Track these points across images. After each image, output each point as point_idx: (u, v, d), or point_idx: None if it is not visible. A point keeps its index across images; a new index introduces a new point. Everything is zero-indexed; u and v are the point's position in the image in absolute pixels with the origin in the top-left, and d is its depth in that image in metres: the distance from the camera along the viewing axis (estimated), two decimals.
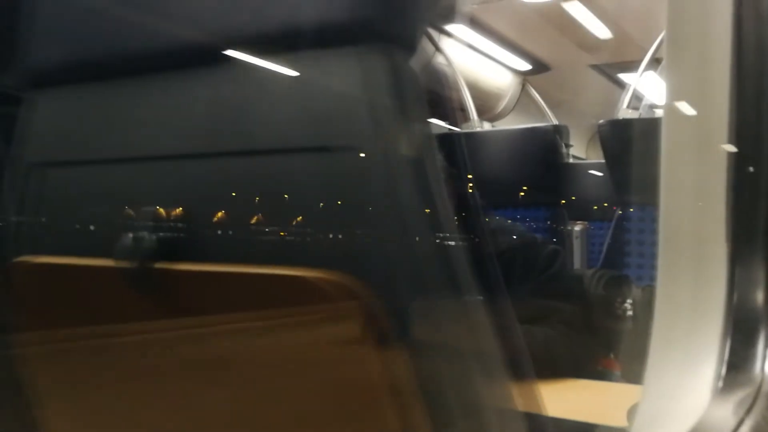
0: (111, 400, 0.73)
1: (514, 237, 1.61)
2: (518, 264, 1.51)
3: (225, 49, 0.62)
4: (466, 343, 0.58)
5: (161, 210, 0.64)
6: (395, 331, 0.56)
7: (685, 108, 0.73)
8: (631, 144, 2.20)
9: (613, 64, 4.60)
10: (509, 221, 1.82)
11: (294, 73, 0.60)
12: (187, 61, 0.64)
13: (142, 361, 0.69)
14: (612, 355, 1.67)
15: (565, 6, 3.60)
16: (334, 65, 0.58)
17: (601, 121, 2.64)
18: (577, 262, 3.22)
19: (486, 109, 4.48)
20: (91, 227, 0.71)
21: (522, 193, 2.73)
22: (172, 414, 0.69)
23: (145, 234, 0.63)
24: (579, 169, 3.41)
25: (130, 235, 0.63)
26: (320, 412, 0.60)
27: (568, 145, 2.99)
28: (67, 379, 0.75)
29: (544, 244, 1.65)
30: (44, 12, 0.74)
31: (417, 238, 0.57)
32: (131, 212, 0.66)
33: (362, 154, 0.57)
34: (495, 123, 4.65)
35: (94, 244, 0.70)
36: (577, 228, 3.25)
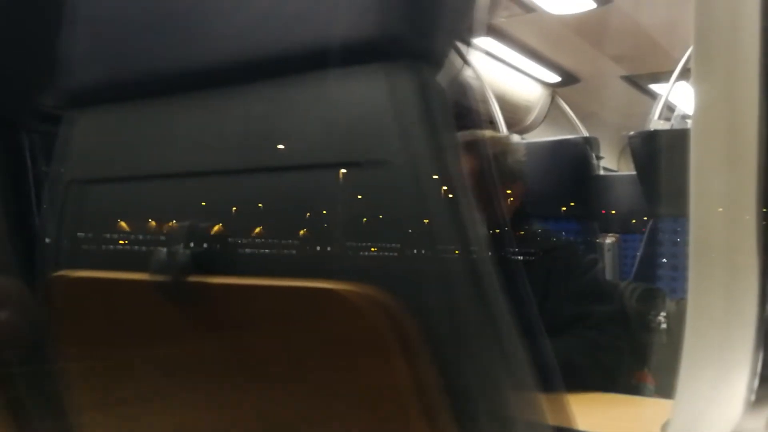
0: (149, 411, 0.74)
1: (554, 244, 1.63)
2: (558, 267, 1.53)
3: (257, 68, 0.64)
4: (495, 354, 0.58)
5: (197, 224, 0.66)
6: (424, 342, 0.56)
7: (714, 118, 0.73)
8: (662, 155, 2.17)
9: (644, 75, 4.56)
10: (549, 228, 1.84)
11: (324, 90, 0.61)
12: (220, 80, 0.66)
13: (178, 373, 0.70)
14: (646, 369, 1.65)
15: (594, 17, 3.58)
16: (363, 81, 0.59)
17: (632, 133, 2.61)
18: (609, 275, 3.18)
19: (515, 122, 4.46)
20: (129, 242, 0.73)
21: (552, 206, 2.70)
22: (209, 424, 0.70)
23: (180, 248, 0.64)
24: (610, 181, 3.37)
25: (166, 249, 0.65)
26: (349, 421, 0.61)
27: (599, 157, 2.96)
28: (106, 391, 0.77)
29: (585, 251, 1.68)
30: (84, 33, 0.77)
31: (445, 251, 0.57)
32: (168, 227, 0.67)
33: (391, 169, 0.58)
34: (525, 136, 4.63)
35: (132, 258, 0.72)
36: (609, 240, 3.21)
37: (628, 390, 1.53)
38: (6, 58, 1.04)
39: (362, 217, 0.61)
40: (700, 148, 0.74)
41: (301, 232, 0.63)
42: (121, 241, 0.74)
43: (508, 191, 1.65)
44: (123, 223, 0.74)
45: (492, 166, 1.60)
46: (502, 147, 1.72)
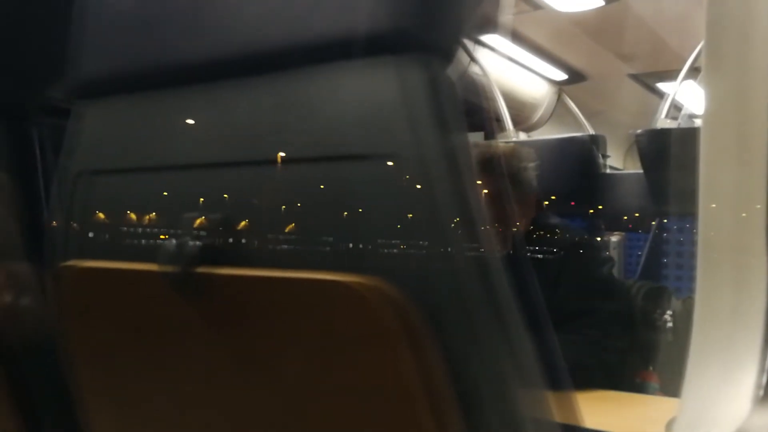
0: (157, 402, 0.74)
1: (570, 238, 1.63)
2: (572, 262, 1.54)
3: (267, 60, 0.64)
4: (503, 350, 0.58)
5: (205, 216, 0.66)
6: (432, 336, 0.56)
7: (724, 117, 0.73)
8: (669, 154, 2.17)
9: (651, 74, 4.54)
10: (565, 222, 1.84)
11: (333, 83, 0.61)
12: (228, 72, 0.66)
13: (185, 363, 0.70)
14: (651, 368, 1.64)
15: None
16: (372, 74, 0.59)
17: (638, 131, 2.61)
18: (615, 274, 3.17)
19: (522, 120, 4.45)
20: (137, 232, 0.73)
21: (558, 204, 2.70)
22: (216, 415, 0.70)
23: (188, 239, 0.64)
24: (616, 180, 3.37)
25: (175, 240, 0.65)
26: (355, 413, 0.61)
27: (605, 156, 2.95)
28: (113, 381, 0.77)
29: (599, 249, 1.69)
30: (92, 25, 0.77)
31: (453, 245, 0.57)
32: (177, 218, 0.67)
33: (400, 162, 0.58)
34: (531, 133, 4.62)
35: (140, 249, 0.72)
36: (614, 239, 3.21)
37: (632, 389, 1.54)
38: (15, 51, 1.04)
39: (370, 210, 0.61)
40: (709, 145, 0.73)
41: (309, 224, 0.63)
42: (129, 232, 0.74)
43: (526, 203, 1.63)
44: (131, 214, 0.74)
45: (508, 181, 1.60)
46: (517, 162, 1.67)
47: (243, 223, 0.66)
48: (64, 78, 0.80)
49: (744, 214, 0.73)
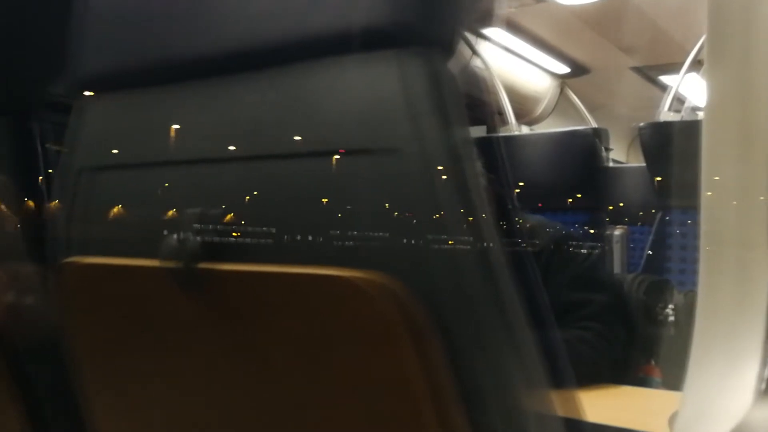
0: (159, 399, 0.75)
1: (551, 234, 1.61)
2: (556, 261, 1.52)
3: (268, 55, 0.64)
4: (506, 346, 0.58)
5: (208, 211, 0.66)
6: (434, 332, 0.56)
7: (726, 110, 0.72)
8: (672, 147, 2.16)
9: (654, 66, 4.54)
10: (545, 219, 1.82)
11: (334, 77, 0.61)
12: (231, 67, 0.66)
13: (189, 360, 0.70)
14: (653, 362, 1.64)
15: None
16: (373, 68, 0.59)
17: (641, 124, 2.60)
18: (617, 267, 3.18)
19: (524, 113, 4.45)
20: (139, 228, 0.73)
21: (561, 198, 2.70)
22: (219, 412, 0.70)
23: (190, 235, 0.64)
24: (619, 173, 3.36)
25: (176, 236, 0.65)
26: (358, 412, 0.61)
27: (608, 149, 2.95)
28: (116, 378, 0.77)
29: (581, 242, 1.66)
30: (94, 20, 0.77)
31: (455, 240, 0.57)
32: (179, 214, 0.67)
33: (401, 157, 0.58)
34: (533, 127, 4.62)
35: (142, 244, 0.72)
36: (617, 232, 3.21)
37: (634, 383, 1.53)
38: (16, 48, 1.04)
39: (373, 205, 0.60)
40: (711, 138, 0.73)
41: (312, 219, 0.63)
42: (131, 228, 0.74)
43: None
44: (133, 210, 0.74)
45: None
46: None
47: (245, 219, 0.66)
48: (65, 73, 0.80)
49: (746, 207, 0.73)
